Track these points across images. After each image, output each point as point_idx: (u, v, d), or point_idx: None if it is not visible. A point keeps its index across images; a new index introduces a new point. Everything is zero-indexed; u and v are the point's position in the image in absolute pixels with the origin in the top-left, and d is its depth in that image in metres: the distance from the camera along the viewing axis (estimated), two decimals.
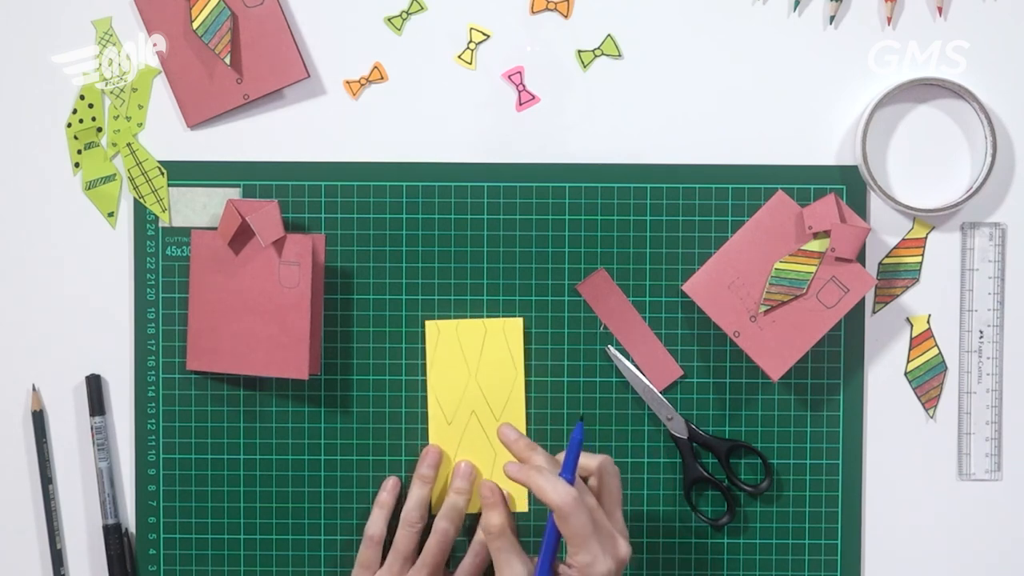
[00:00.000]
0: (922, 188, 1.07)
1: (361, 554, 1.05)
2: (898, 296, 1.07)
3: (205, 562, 1.08)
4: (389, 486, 1.06)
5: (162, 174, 1.07)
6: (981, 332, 1.07)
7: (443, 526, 1.03)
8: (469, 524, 1.06)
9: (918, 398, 1.08)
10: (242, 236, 1.04)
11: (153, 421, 1.07)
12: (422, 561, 1.03)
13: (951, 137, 1.07)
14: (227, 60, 1.05)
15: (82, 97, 1.07)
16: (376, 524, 1.05)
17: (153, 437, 1.07)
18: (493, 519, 0.96)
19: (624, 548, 0.93)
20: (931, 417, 1.08)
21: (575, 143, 1.07)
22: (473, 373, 1.06)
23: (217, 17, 1.05)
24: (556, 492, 0.91)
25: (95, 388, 1.07)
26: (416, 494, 1.05)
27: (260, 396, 1.07)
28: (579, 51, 1.07)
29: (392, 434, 1.07)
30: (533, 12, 1.06)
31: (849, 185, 1.06)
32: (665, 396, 1.06)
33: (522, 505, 1.06)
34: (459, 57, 1.07)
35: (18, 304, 1.08)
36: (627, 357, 1.07)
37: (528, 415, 1.06)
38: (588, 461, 0.97)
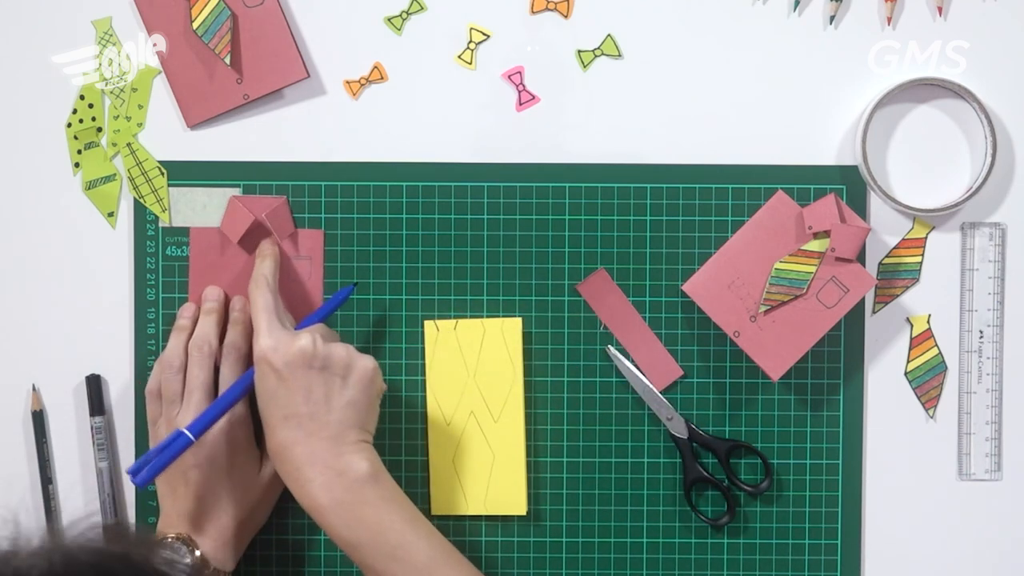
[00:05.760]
0: (922, 188, 1.07)
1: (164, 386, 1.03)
2: (898, 296, 1.07)
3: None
4: (187, 313, 1.05)
5: (162, 174, 1.07)
6: (981, 332, 1.07)
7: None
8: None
9: (918, 398, 1.07)
10: (243, 236, 1.04)
11: None
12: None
13: (951, 137, 1.07)
14: (227, 60, 1.05)
15: (82, 97, 1.07)
16: (175, 352, 1.03)
17: None
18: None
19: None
20: (931, 417, 1.08)
21: (575, 143, 1.07)
22: (472, 373, 1.06)
23: (217, 17, 1.05)
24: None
25: (95, 388, 1.07)
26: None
27: None
28: (579, 51, 1.07)
29: (391, 434, 1.07)
30: (533, 12, 1.06)
31: (849, 185, 1.06)
32: (665, 396, 1.06)
33: (521, 508, 1.06)
34: (459, 57, 1.07)
35: (18, 304, 1.08)
36: (627, 357, 1.07)
37: (527, 415, 1.06)
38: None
